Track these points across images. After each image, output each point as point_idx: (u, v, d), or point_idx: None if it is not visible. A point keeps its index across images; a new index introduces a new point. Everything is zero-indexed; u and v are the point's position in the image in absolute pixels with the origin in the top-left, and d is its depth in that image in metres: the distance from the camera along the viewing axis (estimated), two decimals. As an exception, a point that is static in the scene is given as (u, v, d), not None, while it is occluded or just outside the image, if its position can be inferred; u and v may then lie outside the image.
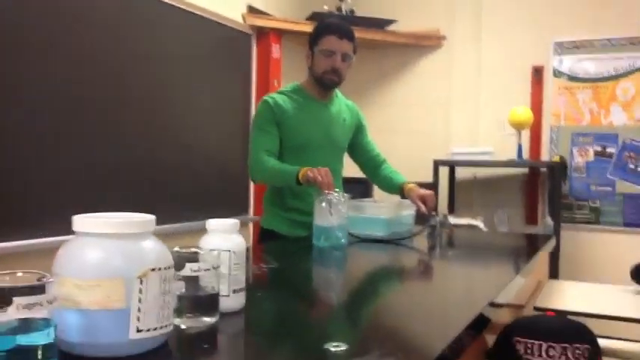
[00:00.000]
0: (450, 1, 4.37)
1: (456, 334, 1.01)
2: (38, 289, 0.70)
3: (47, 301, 0.71)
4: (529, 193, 4.17)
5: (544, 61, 4.11)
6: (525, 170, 4.17)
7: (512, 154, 3.94)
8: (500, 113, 4.02)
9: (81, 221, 0.84)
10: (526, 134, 4.03)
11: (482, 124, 4.26)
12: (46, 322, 0.71)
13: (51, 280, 0.72)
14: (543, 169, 4.13)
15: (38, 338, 0.70)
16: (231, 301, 1.07)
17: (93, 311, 0.79)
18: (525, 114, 3.86)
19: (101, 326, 0.80)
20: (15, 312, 0.68)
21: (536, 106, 4.10)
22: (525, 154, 4.01)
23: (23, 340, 0.69)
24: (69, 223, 0.85)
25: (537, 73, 4.12)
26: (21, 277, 0.73)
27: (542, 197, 4.14)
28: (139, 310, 0.81)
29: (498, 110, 4.08)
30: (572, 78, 4.05)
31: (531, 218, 4.13)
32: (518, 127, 3.87)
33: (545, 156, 4.11)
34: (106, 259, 0.82)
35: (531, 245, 2.47)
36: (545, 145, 4.12)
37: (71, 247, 0.84)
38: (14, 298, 0.68)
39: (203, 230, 1.11)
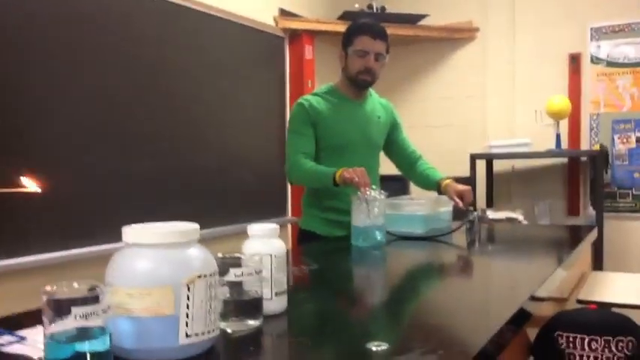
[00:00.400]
0: (481, -8, 4.34)
1: (497, 329, 1.01)
2: (93, 299, 0.74)
3: (102, 310, 0.75)
4: (570, 184, 4.10)
5: (581, 48, 4.04)
6: (565, 160, 4.11)
7: (550, 145, 3.88)
8: (536, 103, 3.97)
9: (130, 232, 0.88)
10: (564, 123, 3.97)
11: (518, 116, 4.21)
12: (101, 330, 0.75)
13: (105, 289, 0.76)
14: (584, 159, 4.06)
15: (95, 345, 0.75)
16: (274, 303, 1.10)
17: (144, 318, 0.83)
18: (563, 103, 3.80)
19: (152, 332, 0.84)
20: (73, 321, 0.73)
21: (574, 94, 4.03)
22: (564, 144, 3.95)
23: (81, 347, 0.74)
24: (116, 232, 0.89)
25: (574, 60, 4.05)
26: (77, 288, 0.77)
27: (584, 187, 4.07)
28: (187, 315, 0.85)
29: (535, 100, 4.02)
30: (611, 63, 3.97)
31: (573, 209, 4.07)
32: (555, 116, 3.81)
33: (585, 145, 4.04)
34: (155, 269, 0.86)
35: (573, 236, 2.44)
36: (585, 133, 4.05)
37: (122, 257, 0.88)
38: (72, 308, 0.73)
39: (243, 233, 1.14)
